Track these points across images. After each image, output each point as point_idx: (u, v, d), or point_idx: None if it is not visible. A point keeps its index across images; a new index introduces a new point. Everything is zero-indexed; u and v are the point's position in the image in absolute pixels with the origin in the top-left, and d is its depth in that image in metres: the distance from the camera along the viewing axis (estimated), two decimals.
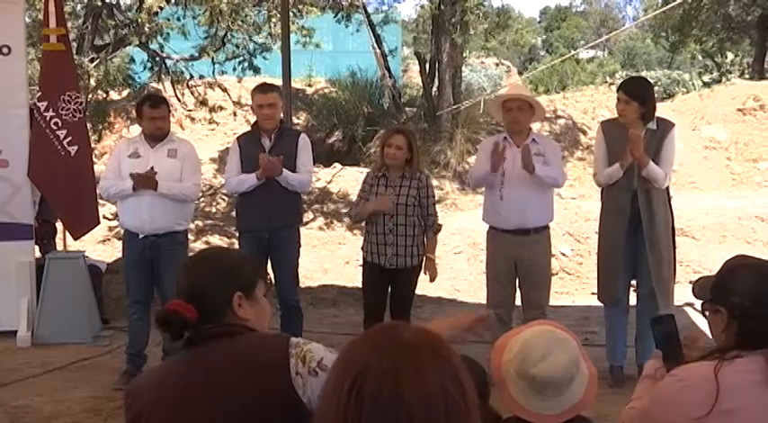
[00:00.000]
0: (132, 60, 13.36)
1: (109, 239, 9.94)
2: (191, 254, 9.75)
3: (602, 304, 5.34)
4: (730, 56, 24.10)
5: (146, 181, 5.11)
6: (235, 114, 13.42)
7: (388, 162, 5.09)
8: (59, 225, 6.56)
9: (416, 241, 5.13)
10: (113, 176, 5.33)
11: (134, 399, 1.89)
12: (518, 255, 5.07)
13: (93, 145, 8.57)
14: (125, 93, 14.04)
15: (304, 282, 7.88)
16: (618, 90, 5.14)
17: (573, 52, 24.68)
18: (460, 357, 1.26)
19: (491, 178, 5.05)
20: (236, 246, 6.23)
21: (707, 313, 2.17)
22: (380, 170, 5.16)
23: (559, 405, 1.96)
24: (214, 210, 12.30)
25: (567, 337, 2.02)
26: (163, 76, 12.73)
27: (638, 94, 5.03)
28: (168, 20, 11.93)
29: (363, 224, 5.34)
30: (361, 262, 5.54)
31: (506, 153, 5.02)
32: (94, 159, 7.08)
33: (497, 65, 22.49)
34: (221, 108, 13.19)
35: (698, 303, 2.27)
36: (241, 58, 12.86)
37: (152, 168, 5.13)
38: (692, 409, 1.99)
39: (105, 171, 5.58)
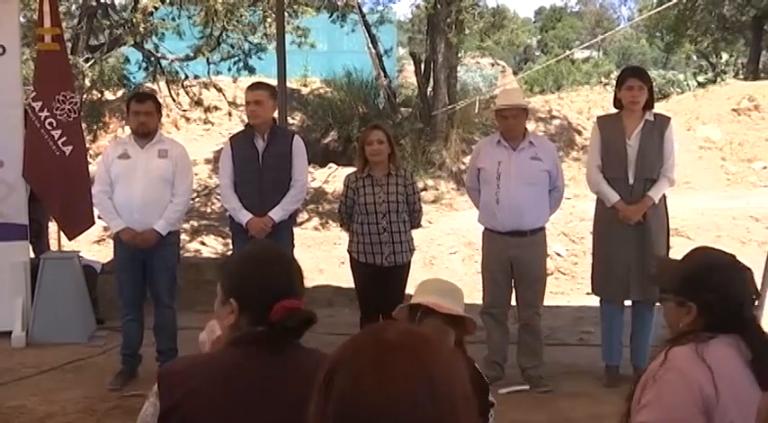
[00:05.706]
0: (127, 60, 13.34)
1: (104, 239, 9.91)
2: (188, 254, 9.70)
3: (597, 303, 5.32)
4: (725, 56, 24.16)
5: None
6: (230, 114, 13.40)
7: (373, 159, 5.08)
8: (54, 225, 6.54)
9: (409, 237, 5.22)
10: (102, 183, 5.29)
11: (174, 385, 1.76)
12: (514, 255, 5.08)
13: (87, 145, 8.53)
14: (120, 93, 14.02)
15: None
16: (626, 78, 5.04)
17: (568, 52, 24.71)
18: (463, 363, 1.21)
19: (489, 180, 5.11)
20: (230, 246, 6.23)
21: (670, 303, 2.23)
22: (364, 171, 5.15)
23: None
24: (209, 210, 12.28)
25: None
26: (158, 76, 12.70)
27: (647, 79, 5.08)
28: (163, 20, 11.91)
29: (353, 225, 5.29)
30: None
31: (502, 156, 5.07)
32: (89, 159, 7.04)
33: (492, 65, 22.53)
34: (216, 108, 13.17)
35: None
36: (236, 58, 12.84)
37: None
38: (701, 390, 2.01)
39: (95, 178, 5.52)
